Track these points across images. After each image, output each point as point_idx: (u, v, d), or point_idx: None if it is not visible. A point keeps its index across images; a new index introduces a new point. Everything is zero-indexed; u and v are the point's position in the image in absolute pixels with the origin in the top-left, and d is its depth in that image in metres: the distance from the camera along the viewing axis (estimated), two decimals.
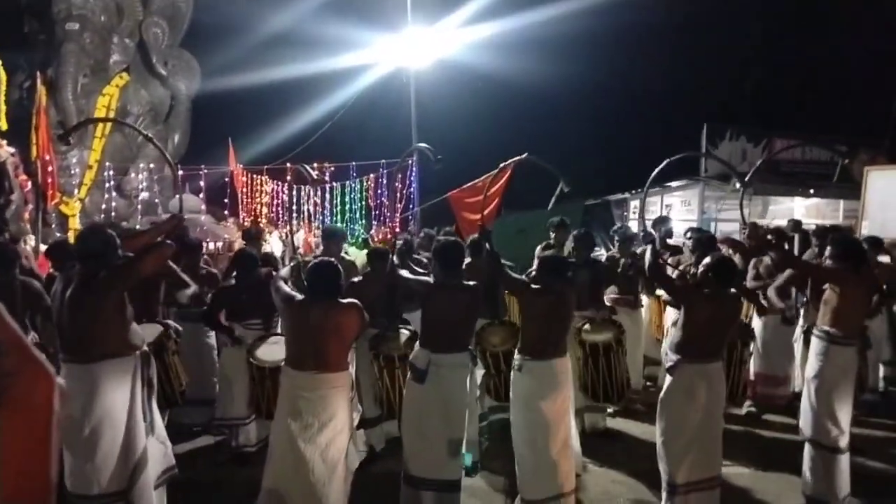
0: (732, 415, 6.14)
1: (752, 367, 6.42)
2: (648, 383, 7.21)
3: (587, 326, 5.46)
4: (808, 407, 4.62)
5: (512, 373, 4.38)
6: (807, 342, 5.77)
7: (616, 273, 6.64)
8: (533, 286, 4.38)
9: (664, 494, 4.20)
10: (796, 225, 8.58)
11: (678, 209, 15.37)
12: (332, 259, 4.17)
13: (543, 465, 4.16)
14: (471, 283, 4.41)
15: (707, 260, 4.26)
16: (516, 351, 4.41)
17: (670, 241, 7.62)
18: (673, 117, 19.57)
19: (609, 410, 6.26)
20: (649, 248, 4.53)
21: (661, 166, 5.02)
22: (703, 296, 4.17)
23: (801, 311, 6.29)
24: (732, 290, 4.29)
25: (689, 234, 7.18)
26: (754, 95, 21.45)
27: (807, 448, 4.63)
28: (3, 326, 0.39)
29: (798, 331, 6.21)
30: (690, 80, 20.66)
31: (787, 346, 6.45)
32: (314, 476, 3.65)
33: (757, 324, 6.59)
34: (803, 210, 14.97)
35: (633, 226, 11.87)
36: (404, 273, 4.81)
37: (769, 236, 6.66)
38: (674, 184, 14.95)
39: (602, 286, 6.19)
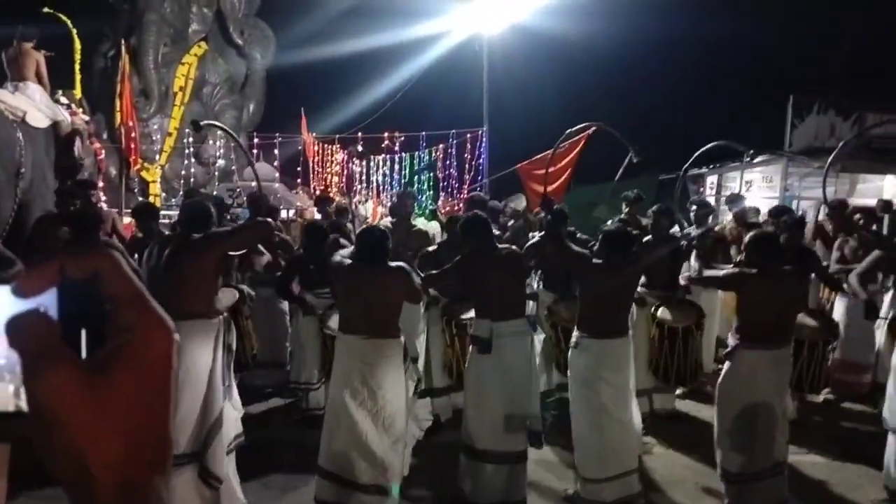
0: (809, 402, 5.92)
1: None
2: (720, 366, 7.00)
3: (663, 308, 5.33)
4: (894, 396, 4.40)
5: (570, 350, 4.33)
6: (892, 330, 5.49)
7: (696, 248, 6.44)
8: (592, 261, 4.29)
9: (722, 483, 4.10)
10: (886, 205, 8.11)
11: (759, 185, 14.75)
12: (380, 226, 4.24)
13: (602, 444, 4.10)
14: (510, 246, 4.39)
15: (746, 238, 4.13)
16: (575, 327, 4.34)
17: (750, 220, 7.34)
18: (758, 88, 18.70)
19: (678, 392, 6.13)
20: (693, 256, 4.41)
21: (698, 153, 4.91)
22: (752, 276, 4.00)
23: (887, 299, 5.96)
24: (791, 269, 4.12)
25: (770, 215, 6.85)
26: (846, 66, 20.25)
27: (890, 439, 4.42)
28: (122, 279, 0.40)
29: (882, 318, 5.90)
30: (778, 49, 19.67)
31: (869, 332, 6.13)
32: (368, 439, 3.73)
33: (838, 308, 6.30)
34: (894, 189, 14.13)
35: (711, 202, 11.49)
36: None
37: (856, 216, 6.33)
38: (755, 159, 14.33)
39: (679, 264, 6.02)
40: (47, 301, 0.46)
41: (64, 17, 9.56)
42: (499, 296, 4.20)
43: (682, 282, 5.46)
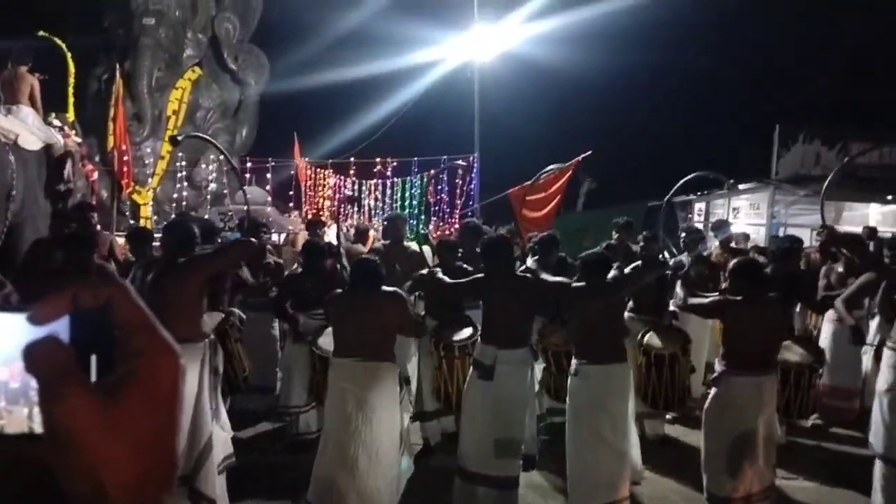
0: (797, 427, 5.95)
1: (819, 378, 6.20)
2: (709, 391, 7.02)
3: (650, 334, 5.36)
4: (880, 421, 4.43)
5: (570, 378, 4.34)
6: (878, 355, 5.53)
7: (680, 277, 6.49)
8: (575, 286, 4.33)
9: None
10: (872, 232, 8.24)
11: (746, 212, 14.91)
12: (374, 257, 4.28)
13: (596, 473, 4.09)
14: (526, 275, 4.41)
15: (731, 265, 4.19)
16: (573, 356, 4.37)
17: (733, 246, 7.42)
18: (743, 117, 18.99)
19: (668, 417, 6.14)
20: (679, 285, 4.50)
21: (680, 183, 5.08)
22: (736, 303, 4.06)
23: (873, 325, 6.03)
24: (775, 295, 4.19)
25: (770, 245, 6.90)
26: (830, 96, 20.60)
27: (877, 465, 4.44)
28: (131, 307, 0.42)
29: (869, 345, 5.95)
30: (763, 80, 20.01)
31: (857, 357, 6.20)
32: (358, 469, 3.71)
33: (825, 333, 6.35)
34: (879, 217, 14.30)
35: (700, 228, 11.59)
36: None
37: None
38: (742, 186, 14.50)
39: (667, 290, 6.07)
40: (60, 328, 0.48)
41: (58, 41, 9.62)
42: (507, 323, 4.22)
43: (671, 308, 5.52)
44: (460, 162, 15.37)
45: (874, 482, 4.45)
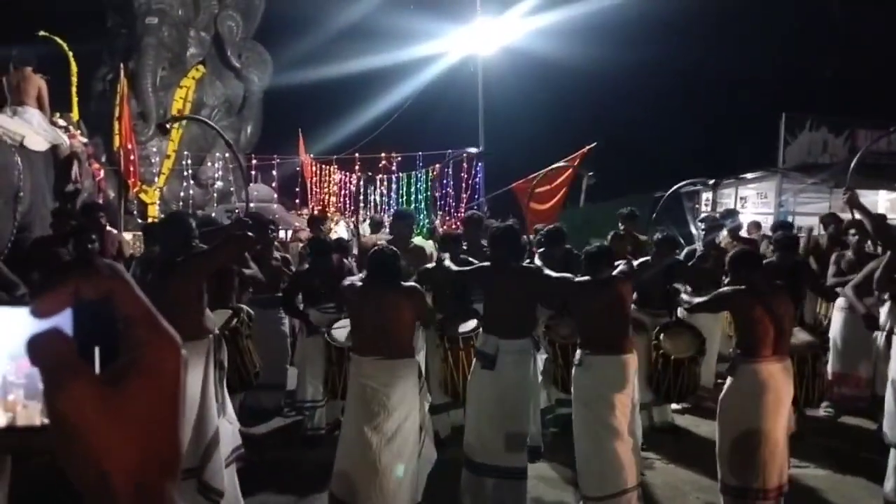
0: (809, 416, 5.93)
1: (830, 366, 6.18)
2: (720, 381, 7.01)
3: (664, 336, 5.35)
4: (893, 410, 4.41)
5: (574, 369, 4.35)
6: (889, 342, 5.50)
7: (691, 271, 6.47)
8: (578, 280, 4.32)
9: (721, 496, 4.10)
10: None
11: (754, 201, 14.84)
12: (391, 247, 4.25)
13: (604, 461, 4.09)
14: (530, 266, 4.40)
15: (728, 258, 4.21)
16: (578, 346, 4.37)
17: (743, 235, 7.40)
18: (750, 106, 18.89)
19: (678, 407, 6.13)
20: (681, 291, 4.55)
21: (669, 193, 5.18)
22: (741, 292, 4.06)
23: (884, 310, 5.99)
24: (781, 283, 4.20)
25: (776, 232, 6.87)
26: (835, 83, 20.47)
27: (892, 453, 4.43)
28: (133, 300, 0.42)
29: (881, 331, 5.91)
30: (767, 67, 19.90)
31: (867, 343, 6.15)
32: (381, 464, 3.72)
33: (836, 321, 6.32)
34: (888, 204, 14.21)
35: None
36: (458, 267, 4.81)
37: (851, 230, 6.37)
38: (749, 175, 14.42)
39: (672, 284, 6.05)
40: (63, 320, 0.49)
41: (59, 41, 9.64)
42: (509, 313, 4.22)
43: (679, 314, 5.53)
44: (472, 150, 15.35)
45: (888, 471, 4.43)
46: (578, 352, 4.30)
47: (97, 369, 0.49)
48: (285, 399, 6.20)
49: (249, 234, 4.05)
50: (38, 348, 0.47)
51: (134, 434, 0.48)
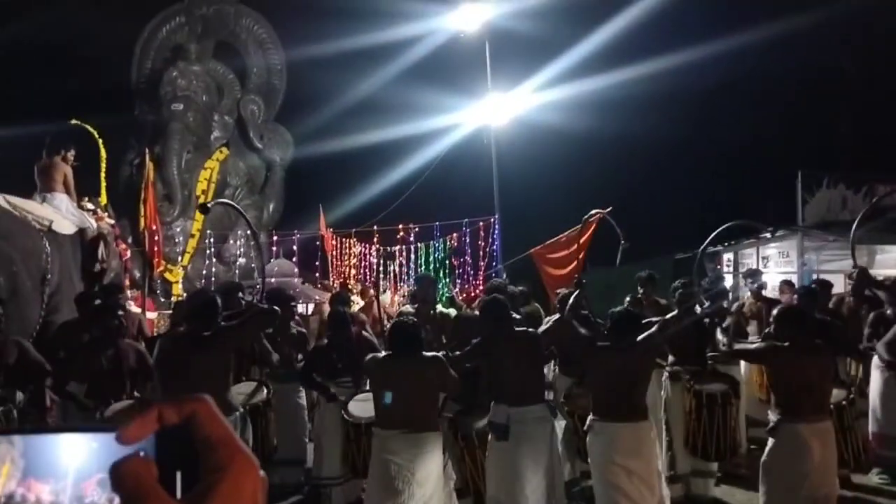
0: (859, 484, 5.69)
1: (870, 427, 5.97)
2: (752, 446, 6.79)
3: (698, 378, 5.27)
4: None
5: (588, 436, 4.25)
6: None
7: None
8: (597, 343, 4.27)
9: None
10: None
11: (776, 261, 14.69)
12: (411, 317, 4.26)
13: None
14: (528, 329, 4.37)
15: (775, 312, 4.15)
16: (591, 411, 4.28)
17: (766, 294, 7.31)
18: (766, 167, 18.96)
19: (717, 474, 5.93)
20: (719, 332, 4.46)
21: (719, 230, 5.11)
22: (785, 349, 3.98)
23: None
24: (821, 342, 4.11)
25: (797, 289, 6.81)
26: (851, 140, 20.54)
27: None
28: (214, 423, 0.43)
29: None
30: (782, 128, 20.04)
31: None
32: None
33: (874, 380, 6.15)
34: None
35: (729, 279, 11.45)
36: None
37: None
38: (770, 234, 14.32)
39: (705, 337, 5.95)
40: (147, 445, 0.49)
41: (90, 128, 10.04)
42: (516, 380, 4.17)
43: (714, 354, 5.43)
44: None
45: None
46: (590, 417, 4.20)
47: (178, 493, 0.49)
48: (305, 475, 6.09)
49: (275, 308, 4.13)
50: (121, 475, 0.47)
51: None
